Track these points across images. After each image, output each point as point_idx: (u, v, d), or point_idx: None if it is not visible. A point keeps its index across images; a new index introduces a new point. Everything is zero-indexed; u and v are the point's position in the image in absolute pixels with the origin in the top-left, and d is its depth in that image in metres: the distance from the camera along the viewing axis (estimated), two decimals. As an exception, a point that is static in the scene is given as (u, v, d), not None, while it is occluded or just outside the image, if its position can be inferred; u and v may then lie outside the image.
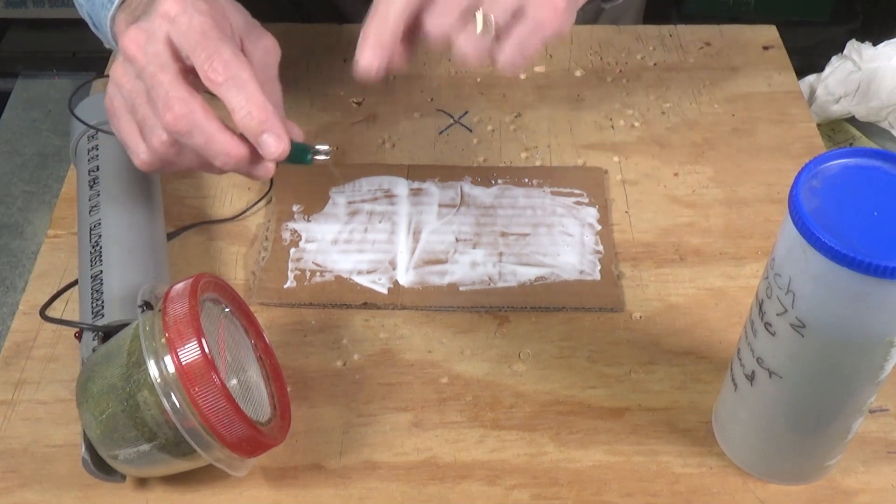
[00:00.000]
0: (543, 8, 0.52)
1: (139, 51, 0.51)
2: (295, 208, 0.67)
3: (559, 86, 0.78)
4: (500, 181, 0.69)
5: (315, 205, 0.67)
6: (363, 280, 0.63)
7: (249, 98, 0.50)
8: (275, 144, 0.51)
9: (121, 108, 0.54)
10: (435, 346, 0.60)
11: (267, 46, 0.55)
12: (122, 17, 0.59)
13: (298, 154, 0.54)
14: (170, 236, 0.64)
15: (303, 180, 0.68)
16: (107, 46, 0.61)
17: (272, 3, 0.96)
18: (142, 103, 0.52)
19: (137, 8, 0.58)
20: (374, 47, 0.51)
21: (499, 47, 0.52)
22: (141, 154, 0.53)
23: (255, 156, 0.52)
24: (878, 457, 0.54)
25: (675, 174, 0.70)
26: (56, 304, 0.61)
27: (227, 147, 0.51)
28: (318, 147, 0.54)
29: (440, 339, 0.60)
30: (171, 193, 0.63)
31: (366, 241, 0.65)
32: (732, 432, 0.54)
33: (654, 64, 0.79)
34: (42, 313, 0.55)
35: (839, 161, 0.44)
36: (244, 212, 0.67)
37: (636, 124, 0.74)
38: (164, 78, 0.51)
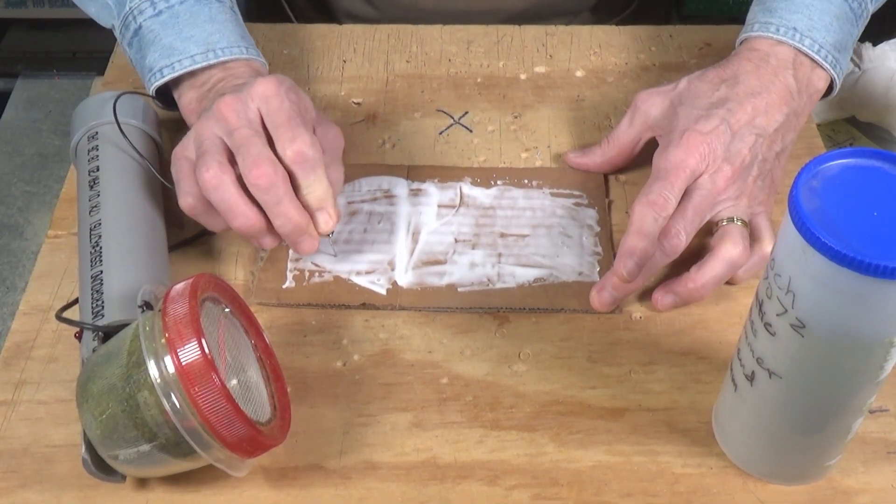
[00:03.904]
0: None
1: (233, 114, 0.58)
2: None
3: (559, 86, 0.78)
4: (499, 182, 0.69)
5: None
6: (362, 280, 0.63)
7: (317, 178, 0.58)
8: (327, 220, 0.59)
9: (189, 154, 0.60)
10: (435, 347, 0.60)
11: (335, 134, 0.64)
12: (193, 94, 0.65)
13: None
14: (171, 249, 0.63)
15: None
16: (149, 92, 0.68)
17: (271, 4, 0.97)
18: (210, 144, 0.58)
19: (206, 83, 0.64)
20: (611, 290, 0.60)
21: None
22: (189, 197, 0.59)
23: (307, 228, 0.59)
24: (878, 457, 0.54)
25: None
26: (55, 302, 0.61)
27: (290, 210, 0.57)
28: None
29: (440, 339, 0.60)
30: (172, 195, 0.63)
31: (365, 242, 0.65)
32: (732, 432, 0.54)
33: (654, 64, 0.79)
34: (59, 316, 0.55)
35: (839, 161, 0.44)
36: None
37: (636, 124, 0.74)
38: (258, 140, 0.57)
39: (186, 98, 0.65)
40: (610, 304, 0.60)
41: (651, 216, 0.58)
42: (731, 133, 0.60)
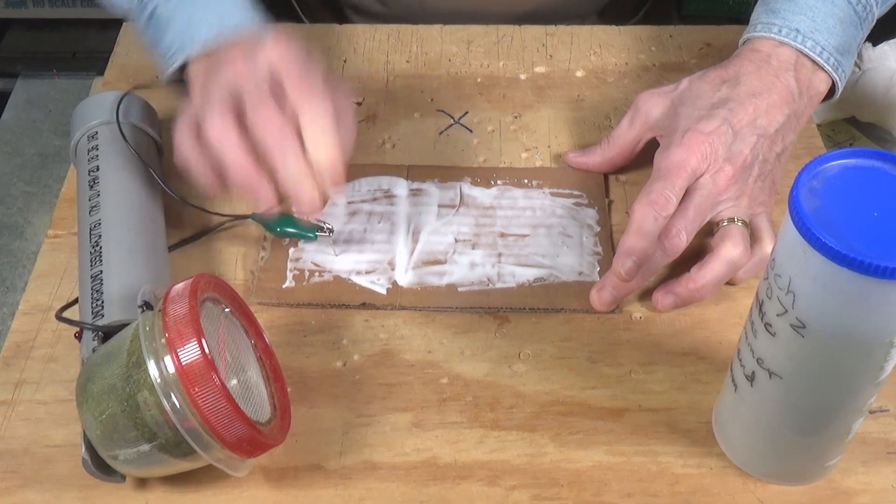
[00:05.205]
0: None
1: (241, 63, 0.58)
2: (295, 208, 0.67)
3: (559, 86, 0.78)
4: (499, 182, 0.69)
5: (315, 204, 0.67)
6: (362, 280, 0.63)
7: (326, 137, 0.56)
8: (336, 177, 0.57)
9: (192, 111, 0.59)
10: (435, 347, 0.60)
11: (346, 90, 0.62)
12: (201, 65, 0.63)
13: (306, 230, 0.63)
14: (171, 249, 0.63)
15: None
16: (161, 77, 0.67)
17: (275, 3, 0.96)
18: (216, 95, 0.57)
19: (215, 54, 0.62)
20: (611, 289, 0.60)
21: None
22: (183, 147, 0.58)
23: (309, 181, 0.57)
24: (878, 457, 0.54)
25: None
26: (55, 302, 0.61)
27: (294, 158, 0.56)
28: (323, 225, 0.63)
29: (440, 339, 0.60)
30: (171, 195, 0.64)
31: (365, 242, 0.65)
32: (732, 433, 0.54)
33: (654, 64, 0.79)
34: (58, 316, 0.55)
35: (839, 161, 0.44)
36: (243, 217, 0.67)
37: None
38: (265, 87, 0.57)
39: (194, 70, 0.64)
40: (609, 303, 0.60)
41: (651, 216, 0.58)
42: (733, 133, 0.60)
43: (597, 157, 0.69)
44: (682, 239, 0.59)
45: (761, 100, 0.61)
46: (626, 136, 0.67)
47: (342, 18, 0.94)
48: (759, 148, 0.61)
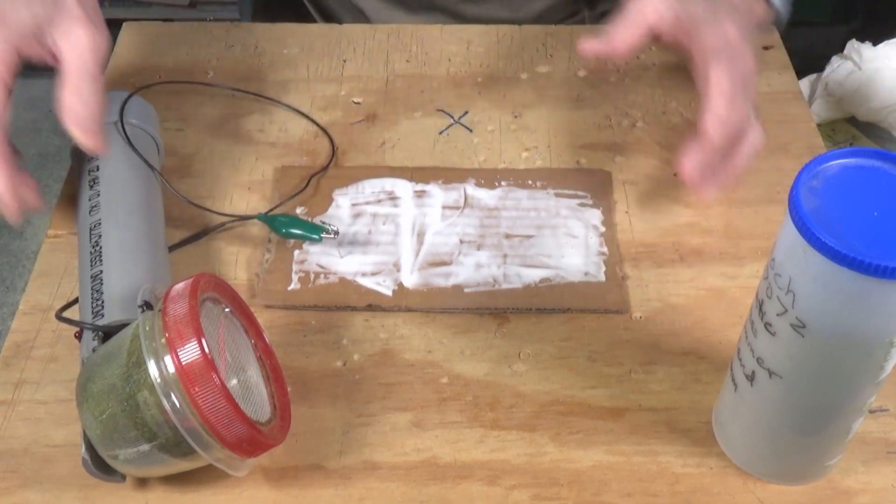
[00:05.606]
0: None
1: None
2: (299, 210, 0.67)
3: (559, 86, 0.78)
4: (503, 183, 0.69)
5: (318, 207, 0.67)
6: (367, 282, 0.62)
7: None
8: None
9: None
10: (435, 347, 0.60)
11: (78, 40, 0.55)
12: None
13: (312, 231, 0.63)
14: (171, 249, 0.63)
15: (306, 183, 0.68)
16: None
17: (295, 5, 0.96)
18: None
19: None
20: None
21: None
22: None
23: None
24: (878, 457, 0.54)
25: (675, 174, 0.70)
26: (55, 302, 0.61)
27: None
28: (328, 227, 0.63)
29: (440, 339, 0.60)
30: (172, 194, 0.64)
31: (370, 243, 0.65)
32: (732, 432, 0.54)
33: (655, 64, 0.79)
34: (58, 316, 0.55)
35: (839, 161, 0.44)
36: (246, 218, 0.67)
37: (636, 124, 0.74)
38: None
39: None
40: (699, 178, 0.60)
41: (729, 79, 0.59)
42: (742, 30, 0.62)
43: (615, 39, 0.63)
44: (753, 123, 0.61)
45: (747, 15, 0.63)
46: (639, 13, 0.62)
47: (354, 10, 0.94)
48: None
